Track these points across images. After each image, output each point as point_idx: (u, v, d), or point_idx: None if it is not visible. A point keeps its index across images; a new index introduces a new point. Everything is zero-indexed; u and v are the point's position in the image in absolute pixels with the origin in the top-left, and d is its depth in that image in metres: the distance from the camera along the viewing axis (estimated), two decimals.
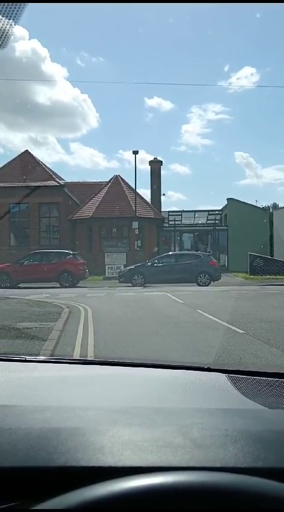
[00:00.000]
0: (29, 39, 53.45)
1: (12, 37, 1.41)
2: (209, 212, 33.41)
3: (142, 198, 30.65)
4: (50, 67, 54.96)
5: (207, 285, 20.26)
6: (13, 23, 1.36)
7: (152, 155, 50.56)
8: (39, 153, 56.47)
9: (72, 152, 70.94)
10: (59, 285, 20.83)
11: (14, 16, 1.36)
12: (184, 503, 0.60)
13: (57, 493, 0.62)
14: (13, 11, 1.35)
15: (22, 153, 33.10)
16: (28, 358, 1.60)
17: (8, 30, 1.37)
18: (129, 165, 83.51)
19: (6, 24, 1.37)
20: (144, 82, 65.72)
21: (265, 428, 0.86)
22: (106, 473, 0.66)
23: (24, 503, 0.65)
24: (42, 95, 57.12)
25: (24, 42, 50.81)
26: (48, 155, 63.52)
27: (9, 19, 1.36)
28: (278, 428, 0.87)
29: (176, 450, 0.72)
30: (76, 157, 70.30)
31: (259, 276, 23.84)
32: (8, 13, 1.35)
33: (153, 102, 68.08)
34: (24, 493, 0.67)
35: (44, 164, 33.44)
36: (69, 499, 0.60)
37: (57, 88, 56.36)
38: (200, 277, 20.69)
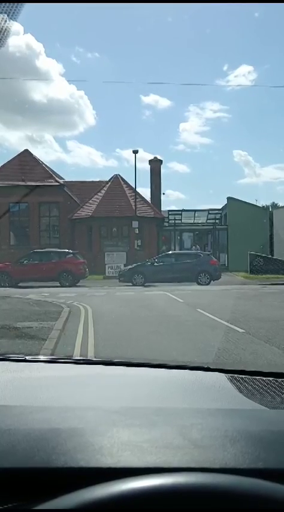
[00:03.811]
0: (23, 34, 52.68)
1: (9, 35, 1.40)
2: (209, 211, 33.39)
3: (142, 197, 30.63)
4: (45, 63, 54.76)
5: (207, 284, 20.26)
6: (11, 21, 1.36)
7: (150, 154, 50.66)
8: (36, 152, 55.97)
9: (69, 150, 71.01)
10: (59, 285, 20.80)
11: (12, 14, 1.35)
12: (184, 505, 0.59)
13: (56, 494, 0.62)
14: (11, 8, 1.35)
15: (21, 152, 33.06)
16: (28, 357, 1.60)
17: (6, 28, 1.36)
18: (127, 163, 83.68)
19: (4, 23, 1.36)
20: (140, 81, 65.61)
21: (265, 428, 0.85)
22: (105, 474, 0.66)
23: (23, 505, 0.65)
24: (38, 91, 57.04)
25: (17, 37, 49.73)
26: (45, 154, 63.49)
27: (7, 16, 1.35)
28: (278, 429, 0.86)
29: (175, 451, 0.72)
30: (73, 156, 70.39)
31: (259, 275, 23.85)
32: (5, 10, 1.34)
33: (150, 99, 68.26)
34: (23, 494, 0.67)
35: (44, 163, 33.41)
36: (68, 500, 0.60)
37: (53, 85, 56.09)
38: (200, 276, 20.69)
